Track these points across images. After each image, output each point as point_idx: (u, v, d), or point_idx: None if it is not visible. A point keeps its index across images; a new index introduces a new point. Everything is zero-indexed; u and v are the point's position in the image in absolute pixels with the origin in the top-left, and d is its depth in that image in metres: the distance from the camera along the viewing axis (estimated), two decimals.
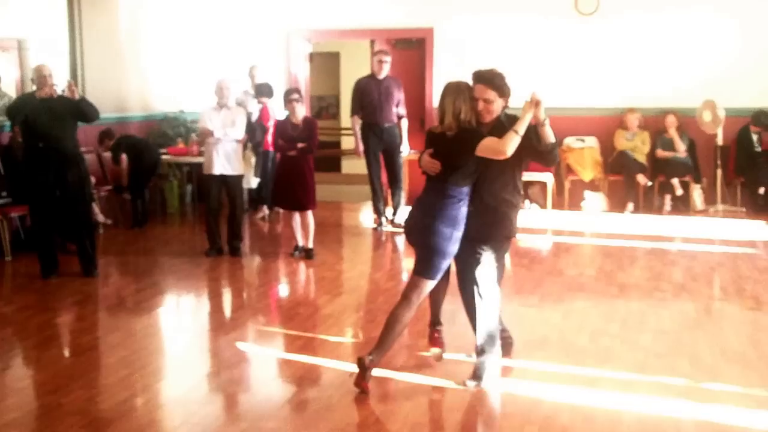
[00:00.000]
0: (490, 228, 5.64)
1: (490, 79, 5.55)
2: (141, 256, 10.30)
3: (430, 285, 5.64)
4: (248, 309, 7.92)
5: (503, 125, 5.48)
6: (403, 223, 6.01)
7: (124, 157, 11.45)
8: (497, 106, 5.56)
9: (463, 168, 5.53)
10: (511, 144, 5.33)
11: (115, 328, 7.32)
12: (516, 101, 5.45)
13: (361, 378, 5.51)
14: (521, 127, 5.37)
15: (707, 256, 9.67)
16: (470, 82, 5.59)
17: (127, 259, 10.23)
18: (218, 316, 7.86)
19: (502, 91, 5.56)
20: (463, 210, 5.57)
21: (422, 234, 5.58)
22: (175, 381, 6.08)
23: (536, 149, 5.46)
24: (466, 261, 5.71)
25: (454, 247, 5.57)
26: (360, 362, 5.55)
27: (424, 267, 5.60)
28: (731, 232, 11.01)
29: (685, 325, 7.11)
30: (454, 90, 5.57)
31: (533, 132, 5.43)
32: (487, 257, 5.66)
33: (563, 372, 5.95)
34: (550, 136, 5.44)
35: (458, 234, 5.55)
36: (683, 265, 9.27)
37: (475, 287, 5.69)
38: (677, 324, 7.14)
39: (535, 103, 5.39)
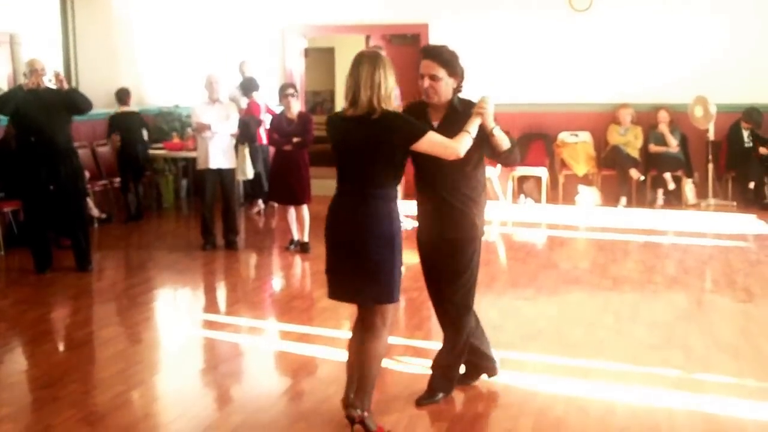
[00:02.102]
0: (452, 229, 5.00)
1: (438, 53, 4.83)
2: (136, 251, 10.31)
3: (395, 307, 4.81)
4: (244, 302, 7.94)
5: (457, 112, 4.88)
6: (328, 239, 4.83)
7: (115, 137, 11.46)
8: (446, 85, 4.83)
9: (393, 162, 4.63)
10: (465, 146, 4.64)
11: (110, 323, 7.34)
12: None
13: (366, 428, 4.73)
14: (472, 127, 4.69)
15: (699, 250, 9.71)
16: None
17: (122, 253, 10.25)
18: (214, 309, 7.88)
19: (452, 68, 4.84)
20: (397, 209, 4.73)
21: (362, 257, 4.61)
22: (171, 374, 6.10)
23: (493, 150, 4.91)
24: (432, 269, 5.21)
25: (401, 252, 4.72)
26: (351, 419, 4.71)
27: (381, 292, 4.66)
28: (722, 225, 11.05)
29: (678, 317, 7.14)
30: (370, 60, 4.57)
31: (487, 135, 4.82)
32: (455, 263, 5.06)
33: (558, 364, 5.99)
34: (503, 143, 4.84)
35: (400, 237, 4.70)
36: (675, 258, 9.31)
37: (447, 301, 5.15)
38: (670, 316, 7.17)
39: (481, 111, 4.73)
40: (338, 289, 4.79)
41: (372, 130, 4.54)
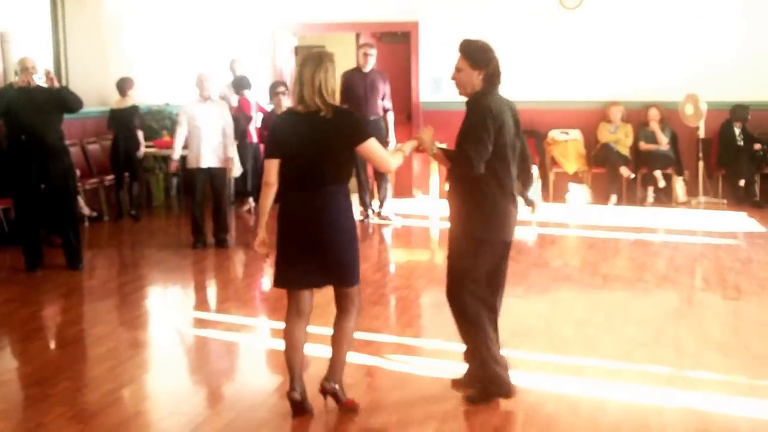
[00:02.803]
0: (450, 219, 5.18)
1: (462, 45, 5.05)
2: (127, 249, 10.32)
3: (359, 288, 5.12)
4: (235, 300, 7.94)
5: (468, 108, 5.09)
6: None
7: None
8: (467, 77, 5.01)
9: (340, 160, 4.86)
10: (395, 162, 4.96)
11: (100, 321, 7.33)
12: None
13: (337, 400, 5.11)
14: (406, 147, 5.07)
15: (689, 247, 9.74)
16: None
17: (113, 251, 10.24)
18: (205, 307, 7.88)
19: (474, 60, 5.00)
20: (350, 201, 5.00)
21: (327, 247, 4.87)
22: (162, 372, 6.11)
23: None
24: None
25: (358, 240, 5.04)
26: (324, 391, 5.09)
27: (350, 275, 4.97)
28: (713, 223, 11.08)
29: (668, 315, 7.16)
30: (312, 61, 4.80)
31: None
32: (458, 258, 5.14)
33: (549, 361, 6.00)
34: (442, 163, 5.16)
35: (356, 227, 5.03)
36: (666, 256, 9.34)
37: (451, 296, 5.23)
38: (660, 314, 7.20)
39: (416, 137, 5.07)
40: (302, 278, 5.00)
41: (323, 128, 4.77)
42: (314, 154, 4.78)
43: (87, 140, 11.93)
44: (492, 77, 5.10)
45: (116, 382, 5.69)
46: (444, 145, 5.61)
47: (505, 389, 5.18)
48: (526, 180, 5.39)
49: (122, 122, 11.46)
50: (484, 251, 5.10)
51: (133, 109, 11.63)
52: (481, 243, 5.08)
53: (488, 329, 5.16)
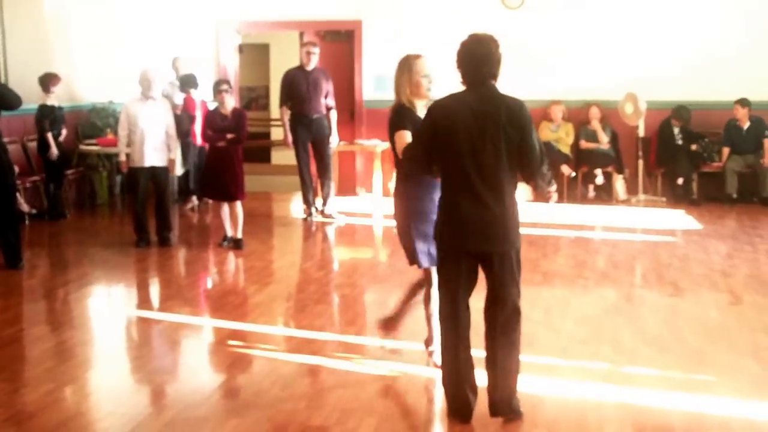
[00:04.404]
0: None
1: None
2: (69, 248, 10.20)
3: (434, 272, 5.49)
4: (177, 299, 7.88)
5: None
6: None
7: (47, 124, 11.21)
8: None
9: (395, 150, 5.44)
10: (403, 152, 5.26)
11: (40, 320, 7.26)
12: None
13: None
14: None
15: (629, 245, 9.89)
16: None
17: (54, 250, 10.13)
18: (147, 306, 7.82)
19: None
20: (409, 190, 5.48)
21: (399, 227, 5.65)
22: (103, 372, 6.05)
23: None
24: None
25: (414, 227, 5.48)
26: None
27: (408, 254, 5.65)
28: (652, 221, 11.26)
29: (607, 312, 7.27)
30: (398, 65, 5.71)
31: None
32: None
33: None
34: None
35: (409, 213, 5.50)
36: (605, 253, 9.48)
37: None
38: (599, 310, 7.30)
39: None
40: None
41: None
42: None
43: (27, 137, 11.76)
44: (462, 77, 5.20)
45: (55, 382, 5.63)
46: None
47: (452, 409, 5.12)
48: (527, 181, 5.44)
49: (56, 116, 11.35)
50: (440, 256, 5.11)
51: (38, 111, 11.38)
52: (438, 244, 5.08)
53: (447, 338, 5.17)
